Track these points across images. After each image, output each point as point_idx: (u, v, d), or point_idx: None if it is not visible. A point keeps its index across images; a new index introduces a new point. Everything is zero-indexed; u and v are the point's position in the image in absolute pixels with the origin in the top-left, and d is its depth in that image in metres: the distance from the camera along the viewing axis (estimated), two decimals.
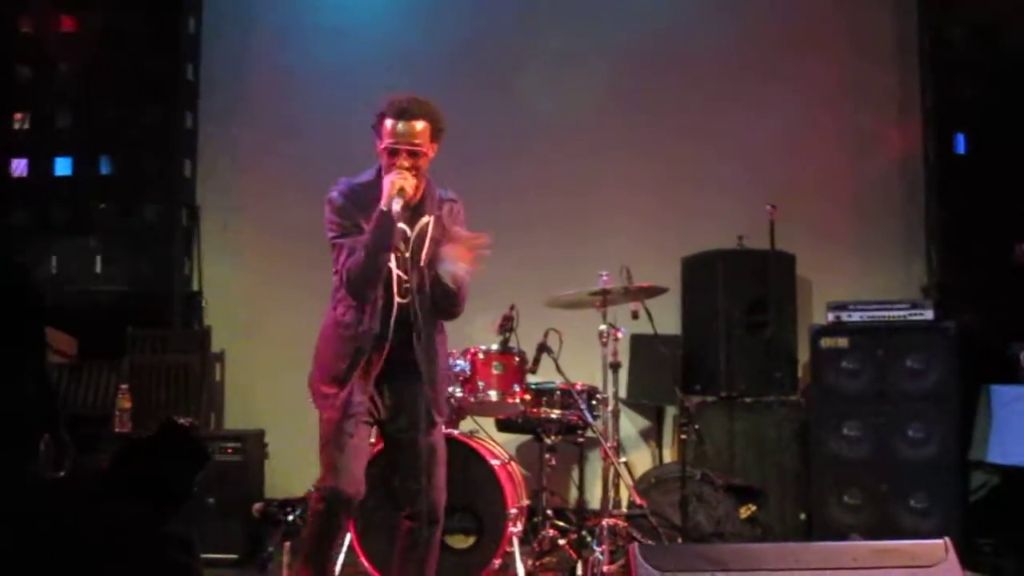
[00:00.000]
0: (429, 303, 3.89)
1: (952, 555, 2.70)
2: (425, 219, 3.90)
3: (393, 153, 3.79)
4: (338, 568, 4.77)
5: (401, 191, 3.70)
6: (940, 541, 2.73)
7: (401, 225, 3.77)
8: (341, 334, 3.86)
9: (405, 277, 3.83)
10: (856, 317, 5.79)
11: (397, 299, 3.84)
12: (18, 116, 7.20)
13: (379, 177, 3.83)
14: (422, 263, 3.88)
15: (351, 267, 3.76)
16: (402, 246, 3.84)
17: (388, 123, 3.79)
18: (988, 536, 5.44)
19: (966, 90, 6.40)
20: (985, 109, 6.33)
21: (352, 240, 3.78)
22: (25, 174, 7.13)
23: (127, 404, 5.90)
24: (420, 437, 3.80)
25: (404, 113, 3.78)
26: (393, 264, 3.82)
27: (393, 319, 3.83)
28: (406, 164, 3.76)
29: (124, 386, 6.00)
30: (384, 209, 3.68)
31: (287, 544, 5.13)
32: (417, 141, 3.78)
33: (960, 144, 6.47)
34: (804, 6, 6.87)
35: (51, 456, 4.95)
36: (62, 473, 4.88)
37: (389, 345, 3.82)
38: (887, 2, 6.79)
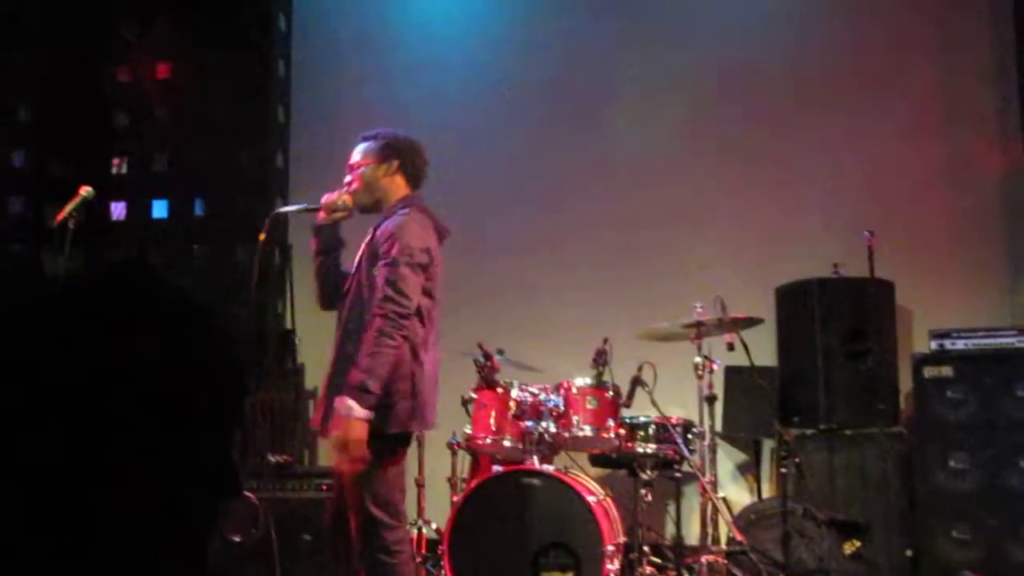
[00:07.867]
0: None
1: None
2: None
3: None
4: None
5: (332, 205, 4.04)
6: None
7: None
8: None
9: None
10: (960, 345, 5.60)
11: None
12: (116, 161, 7.42)
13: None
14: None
15: None
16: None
17: None
18: None
19: None
20: None
21: None
22: (123, 217, 7.34)
23: None
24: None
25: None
26: None
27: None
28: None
29: None
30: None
31: None
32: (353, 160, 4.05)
33: None
34: (896, 30, 6.73)
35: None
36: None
37: None
38: (985, 19, 6.62)
